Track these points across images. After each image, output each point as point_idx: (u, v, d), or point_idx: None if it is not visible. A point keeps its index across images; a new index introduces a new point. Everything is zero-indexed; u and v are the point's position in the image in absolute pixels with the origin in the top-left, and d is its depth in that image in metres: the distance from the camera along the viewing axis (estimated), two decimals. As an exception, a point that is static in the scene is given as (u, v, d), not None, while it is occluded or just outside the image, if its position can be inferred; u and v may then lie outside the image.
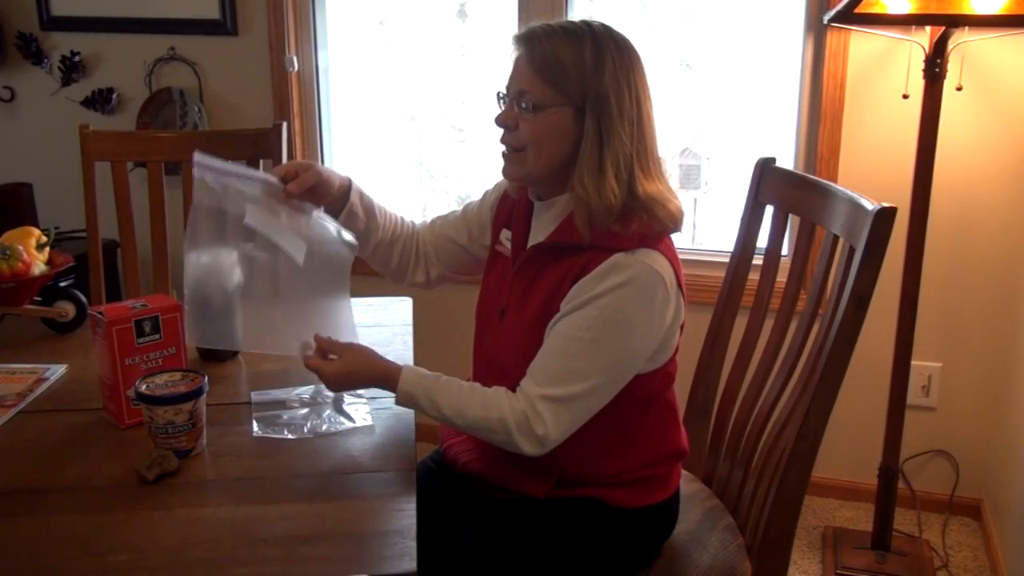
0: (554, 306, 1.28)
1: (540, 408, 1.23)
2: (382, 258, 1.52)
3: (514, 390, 1.28)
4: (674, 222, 1.29)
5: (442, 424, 1.32)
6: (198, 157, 1.28)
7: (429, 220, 1.57)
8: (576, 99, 1.25)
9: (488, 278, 1.47)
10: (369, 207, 1.47)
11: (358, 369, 1.29)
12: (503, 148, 1.33)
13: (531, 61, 1.26)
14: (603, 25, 1.28)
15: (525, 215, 1.40)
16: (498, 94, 1.33)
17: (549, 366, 1.25)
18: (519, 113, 1.28)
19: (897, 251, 1.97)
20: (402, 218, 1.55)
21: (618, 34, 1.28)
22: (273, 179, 1.34)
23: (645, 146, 1.28)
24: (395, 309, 1.82)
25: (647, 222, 1.26)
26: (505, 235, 1.43)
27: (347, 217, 1.43)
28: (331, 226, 1.38)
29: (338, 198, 1.42)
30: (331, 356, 1.31)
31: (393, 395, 1.29)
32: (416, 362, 1.58)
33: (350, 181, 1.44)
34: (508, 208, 1.45)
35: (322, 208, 1.40)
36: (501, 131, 1.32)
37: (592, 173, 1.25)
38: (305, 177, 1.34)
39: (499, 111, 1.32)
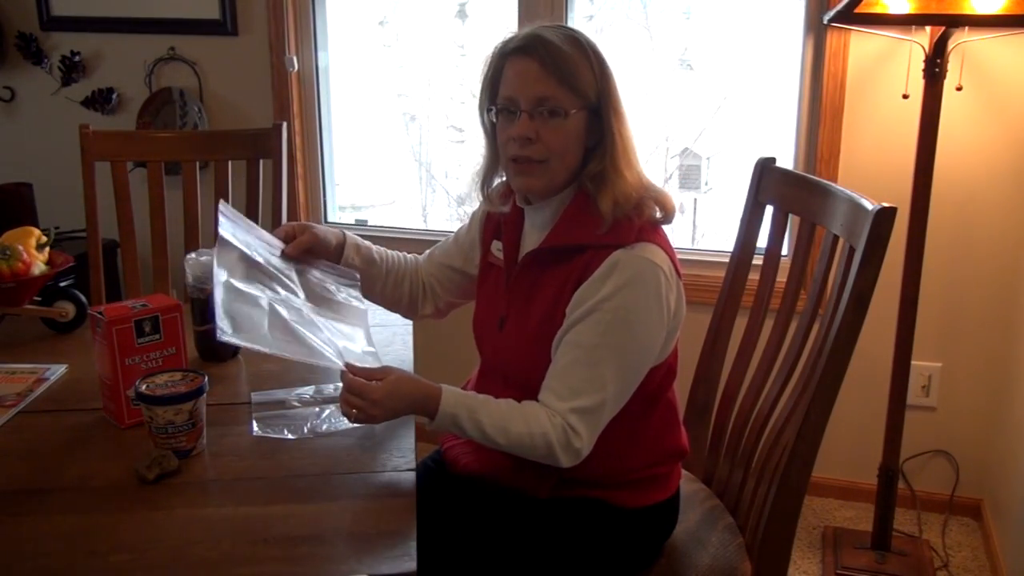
0: (558, 312, 1.29)
1: (573, 422, 1.24)
2: (391, 298, 1.55)
3: (520, 399, 1.29)
4: (667, 215, 1.32)
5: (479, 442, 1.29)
6: (223, 207, 1.37)
7: (425, 254, 1.60)
8: (591, 100, 1.28)
9: (482, 290, 1.47)
10: (368, 257, 1.50)
11: (401, 390, 1.24)
12: (517, 163, 1.30)
13: (547, 67, 1.25)
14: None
15: (515, 223, 1.40)
16: (496, 108, 1.31)
17: (571, 378, 1.25)
18: (538, 123, 1.27)
19: (897, 251, 1.97)
20: (404, 256, 1.58)
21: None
22: (276, 241, 1.41)
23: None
24: (395, 309, 1.81)
25: (651, 214, 1.29)
26: (496, 246, 1.44)
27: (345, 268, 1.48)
28: (332, 287, 1.43)
29: (334, 255, 1.46)
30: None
31: (430, 419, 1.26)
32: (416, 362, 1.58)
33: (344, 236, 1.48)
34: (496, 219, 1.45)
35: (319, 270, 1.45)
36: (505, 147, 1.32)
37: (626, 161, 1.29)
38: (302, 239, 1.41)
39: (510, 125, 1.29)
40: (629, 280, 1.24)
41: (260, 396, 1.43)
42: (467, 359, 1.56)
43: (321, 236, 1.43)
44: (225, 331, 1.20)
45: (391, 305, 1.57)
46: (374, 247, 1.54)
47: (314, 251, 1.43)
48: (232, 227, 1.36)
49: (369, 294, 1.52)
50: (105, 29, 2.81)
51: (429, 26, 2.78)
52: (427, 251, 1.60)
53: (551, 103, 1.26)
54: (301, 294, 1.37)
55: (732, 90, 2.56)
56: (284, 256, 1.40)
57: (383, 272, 1.52)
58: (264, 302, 1.29)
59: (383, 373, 1.25)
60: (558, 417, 1.24)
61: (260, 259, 1.35)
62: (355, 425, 1.34)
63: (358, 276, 1.47)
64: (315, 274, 1.43)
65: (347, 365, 1.26)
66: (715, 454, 1.63)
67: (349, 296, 1.45)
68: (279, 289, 1.34)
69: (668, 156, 2.70)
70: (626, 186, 1.28)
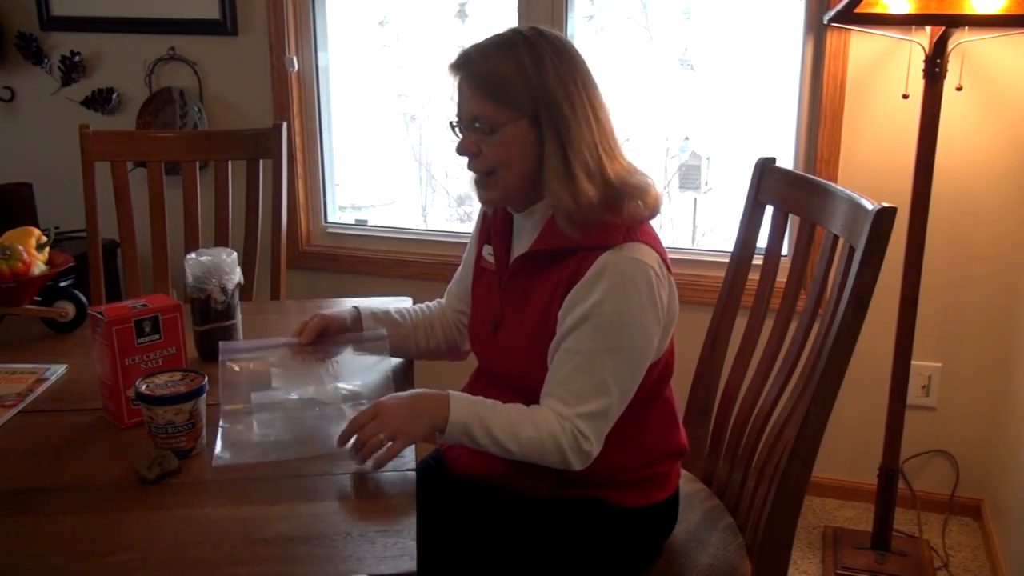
0: (551, 316, 1.29)
1: (581, 427, 1.24)
2: (428, 349, 1.55)
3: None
4: (652, 210, 1.30)
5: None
6: (223, 345, 1.38)
7: (445, 293, 1.61)
8: (528, 109, 1.25)
9: (476, 294, 1.47)
10: (388, 321, 1.51)
11: (400, 396, 1.24)
12: (473, 176, 1.33)
13: (474, 84, 1.26)
14: (533, 28, 1.29)
15: (505, 227, 1.40)
16: (451, 124, 1.33)
17: (574, 385, 1.25)
18: (478, 138, 1.28)
19: (897, 251, 1.97)
20: (427, 305, 1.59)
21: (551, 33, 1.29)
22: (293, 340, 1.43)
23: (605, 132, 1.29)
24: (395, 309, 1.81)
25: (632, 210, 1.27)
26: (487, 250, 1.44)
27: None
28: (365, 359, 1.45)
29: (352, 329, 1.47)
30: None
31: (441, 433, 1.24)
32: (415, 366, 1.58)
33: (358, 310, 1.49)
34: (486, 224, 1.46)
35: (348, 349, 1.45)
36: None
37: (560, 179, 1.25)
38: (311, 325, 1.43)
39: (456, 141, 1.32)
40: (620, 282, 1.23)
41: (260, 396, 1.43)
42: (465, 364, 1.55)
43: (332, 316, 1.46)
44: (223, 458, 1.23)
45: (432, 356, 1.57)
46: (392, 309, 1.54)
47: (329, 331, 1.45)
48: (236, 355, 1.39)
49: (407, 354, 1.54)
50: (105, 29, 2.81)
51: (429, 26, 2.78)
52: (446, 289, 1.61)
53: (482, 121, 1.27)
54: (321, 384, 1.39)
55: (732, 90, 2.56)
56: (302, 347, 1.41)
57: (410, 328, 1.53)
58: (276, 410, 1.34)
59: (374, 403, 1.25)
60: (567, 422, 1.24)
61: (272, 364, 1.39)
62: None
63: (385, 333, 1.45)
64: (341, 358, 1.44)
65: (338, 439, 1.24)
66: (715, 454, 1.63)
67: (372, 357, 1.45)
68: (293, 393, 1.37)
69: (668, 156, 2.70)
70: (569, 199, 1.24)
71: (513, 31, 1.28)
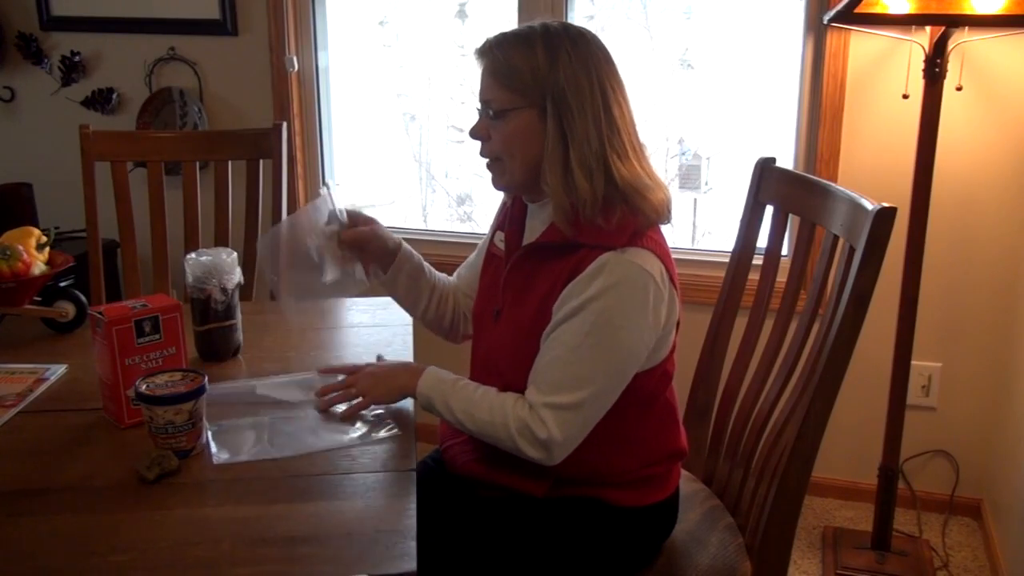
0: (549, 309, 1.29)
1: (543, 414, 1.24)
2: (436, 316, 1.57)
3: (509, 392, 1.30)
4: (658, 214, 1.28)
5: (445, 425, 1.35)
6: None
7: (454, 275, 1.62)
8: (536, 99, 1.26)
9: (484, 279, 1.48)
10: (418, 266, 1.54)
11: (386, 368, 1.41)
12: (486, 162, 1.36)
13: (490, 71, 1.29)
14: (560, 23, 1.30)
15: (519, 217, 1.41)
16: (477, 110, 1.36)
17: (552, 375, 1.25)
18: (489, 123, 1.31)
19: (897, 251, 1.97)
20: (447, 277, 1.60)
21: (575, 30, 1.29)
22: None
23: (616, 131, 1.27)
24: (395, 309, 1.80)
25: (628, 216, 1.26)
26: (499, 237, 1.45)
27: (395, 273, 1.51)
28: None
29: (388, 257, 1.51)
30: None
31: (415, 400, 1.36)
32: (417, 361, 1.58)
33: (401, 243, 1.52)
34: (504, 211, 1.47)
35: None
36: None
37: (556, 172, 1.26)
38: (363, 231, 1.47)
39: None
40: (616, 283, 1.23)
41: (250, 398, 1.43)
42: (466, 358, 1.55)
43: (381, 234, 1.49)
44: (222, 458, 1.24)
45: (435, 324, 1.58)
46: (425, 262, 1.56)
47: (370, 248, 1.47)
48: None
49: (413, 310, 1.57)
50: (105, 29, 2.81)
51: (429, 26, 2.78)
52: (456, 272, 1.62)
53: (492, 105, 1.29)
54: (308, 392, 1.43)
55: (732, 90, 2.56)
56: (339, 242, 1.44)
57: (431, 285, 1.55)
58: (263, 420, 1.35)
59: (360, 365, 1.43)
60: (525, 409, 1.25)
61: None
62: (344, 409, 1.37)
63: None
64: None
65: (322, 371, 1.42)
66: (715, 454, 1.63)
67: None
68: (283, 396, 1.42)
69: (668, 156, 2.70)
70: (563, 194, 1.25)
71: (540, 24, 1.29)
